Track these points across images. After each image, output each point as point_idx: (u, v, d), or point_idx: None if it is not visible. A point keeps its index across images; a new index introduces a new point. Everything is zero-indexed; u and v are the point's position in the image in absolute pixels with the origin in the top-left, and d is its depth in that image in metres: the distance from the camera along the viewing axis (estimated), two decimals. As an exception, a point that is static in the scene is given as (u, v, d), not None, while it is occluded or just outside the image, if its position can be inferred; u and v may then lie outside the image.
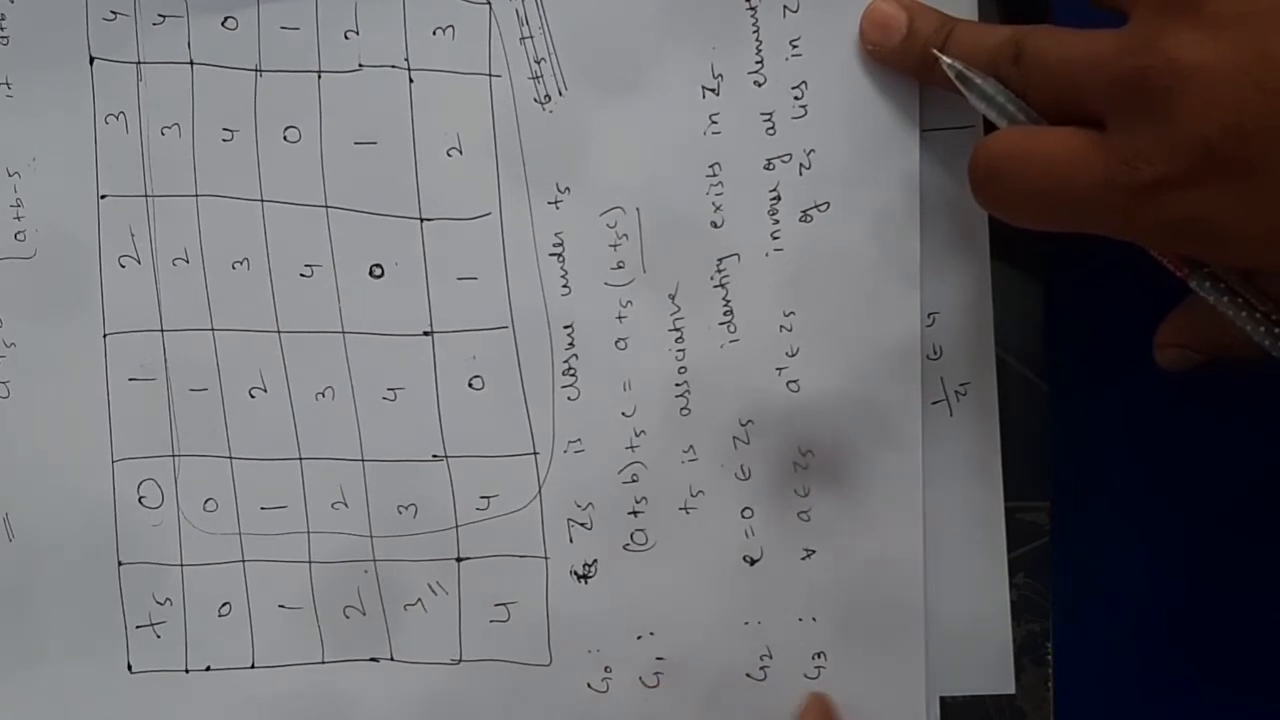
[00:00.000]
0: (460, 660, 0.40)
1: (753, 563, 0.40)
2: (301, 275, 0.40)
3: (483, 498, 0.40)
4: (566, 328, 0.40)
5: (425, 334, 0.40)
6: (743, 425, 0.40)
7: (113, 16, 0.39)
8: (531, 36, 0.39)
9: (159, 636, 0.41)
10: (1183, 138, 0.30)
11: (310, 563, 0.40)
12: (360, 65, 0.40)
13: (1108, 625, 0.41)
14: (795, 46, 0.39)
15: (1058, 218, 0.34)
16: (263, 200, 0.40)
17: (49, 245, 0.40)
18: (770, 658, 0.40)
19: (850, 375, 0.39)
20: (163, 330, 0.40)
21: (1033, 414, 0.40)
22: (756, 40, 0.39)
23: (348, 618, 0.40)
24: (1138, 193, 0.31)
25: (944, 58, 0.36)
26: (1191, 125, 0.30)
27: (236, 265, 0.40)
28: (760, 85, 0.39)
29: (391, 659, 0.40)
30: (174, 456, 0.40)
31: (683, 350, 0.40)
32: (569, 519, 0.40)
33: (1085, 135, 0.32)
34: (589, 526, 0.40)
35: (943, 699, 0.40)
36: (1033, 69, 0.34)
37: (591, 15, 0.39)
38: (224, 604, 0.40)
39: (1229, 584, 0.41)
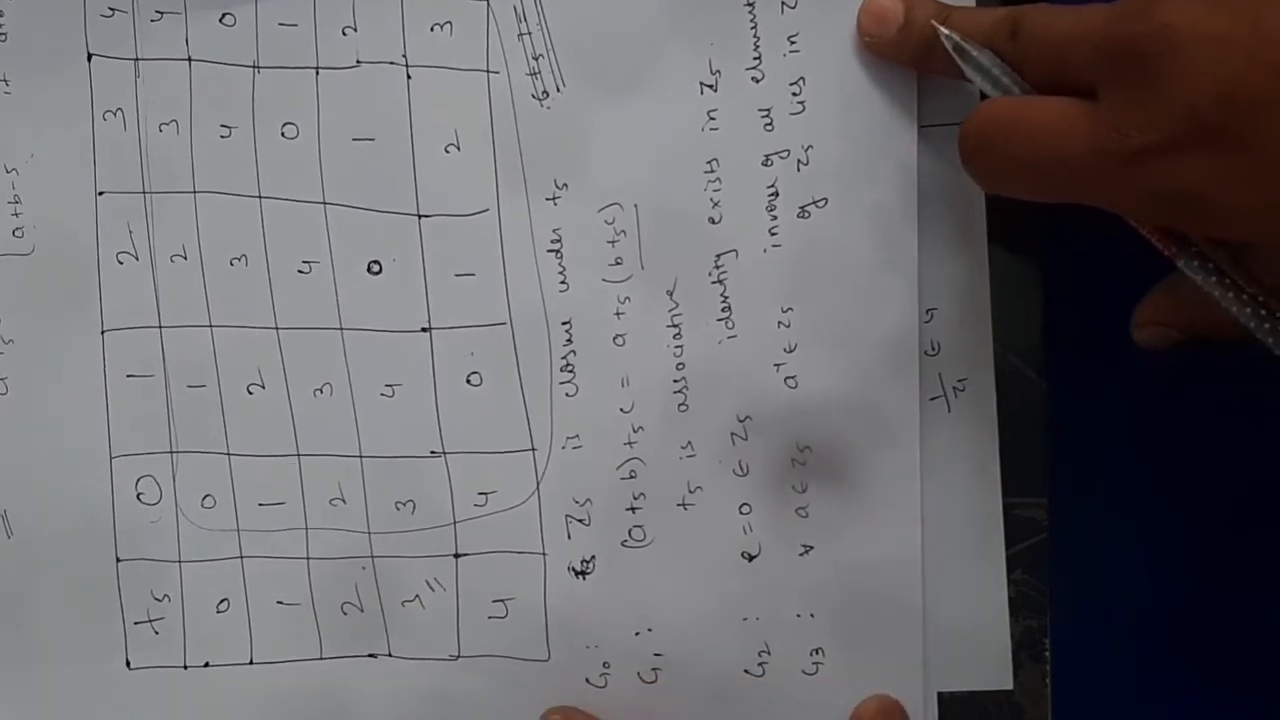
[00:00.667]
0: (458, 656, 0.40)
1: (751, 559, 0.40)
2: (299, 272, 0.40)
3: (481, 494, 0.40)
4: (564, 324, 0.40)
5: (423, 330, 0.40)
6: (741, 421, 0.40)
7: (110, 13, 0.40)
8: (529, 33, 0.39)
9: (157, 633, 0.41)
10: (1173, 105, 0.30)
11: (308, 559, 0.40)
12: (358, 61, 0.40)
13: (1105, 621, 0.41)
14: (793, 42, 0.39)
15: (1047, 187, 0.34)
16: (260, 197, 0.40)
17: (47, 242, 0.40)
18: (768, 654, 0.40)
19: (848, 371, 0.39)
20: (161, 327, 0.40)
21: (1030, 410, 0.40)
22: (754, 36, 0.39)
23: (346, 614, 0.40)
24: (1127, 160, 0.31)
25: (942, 28, 0.36)
26: (1182, 93, 0.30)
27: (234, 262, 0.40)
28: (758, 81, 0.39)
29: (390, 655, 0.40)
30: (172, 453, 0.40)
31: (681, 346, 0.40)
32: (567, 515, 0.40)
33: (1076, 103, 0.32)
34: (587, 523, 0.40)
35: (940, 695, 0.40)
36: (1028, 43, 0.34)
37: (590, 11, 0.39)
38: (222, 600, 0.40)
39: (1228, 582, 0.41)
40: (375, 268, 0.40)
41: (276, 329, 0.40)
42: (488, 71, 0.40)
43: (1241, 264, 0.34)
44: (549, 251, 0.40)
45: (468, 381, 0.40)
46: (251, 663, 0.41)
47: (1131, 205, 0.33)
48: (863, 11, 0.38)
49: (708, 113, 0.39)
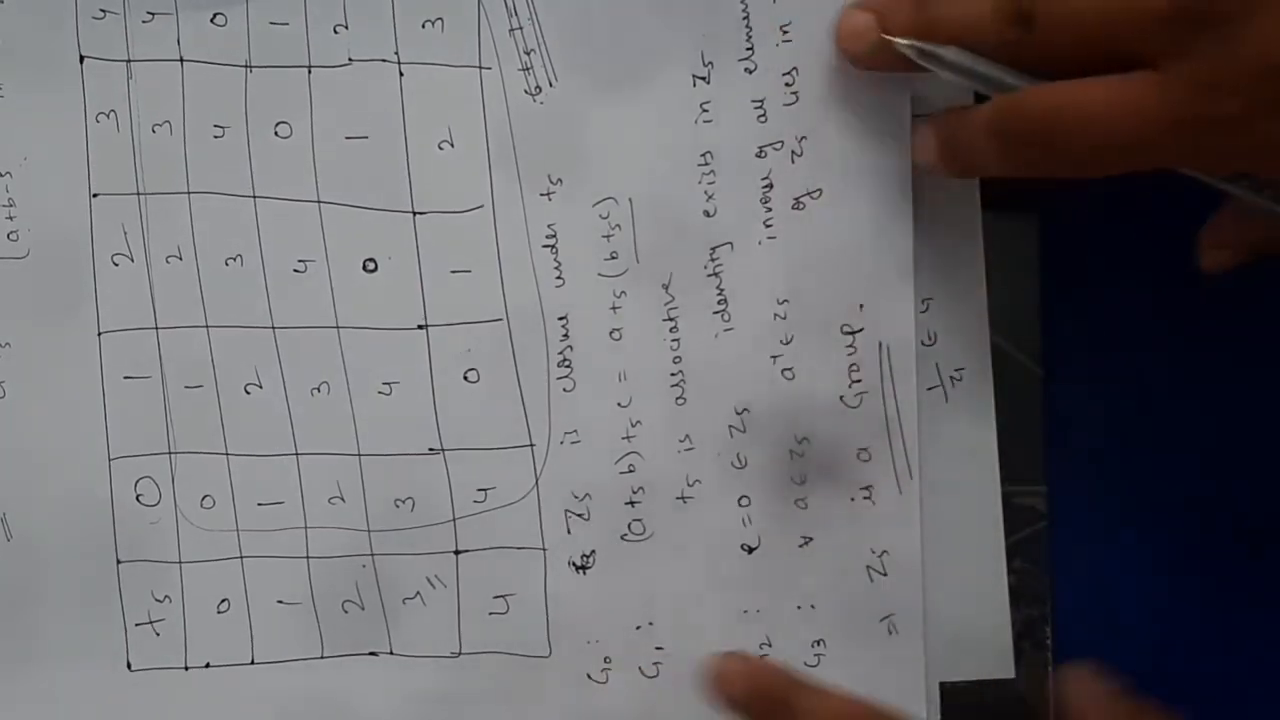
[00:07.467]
0: (460, 653, 0.40)
1: (751, 551, 0.40)
2: (295, 271, 0.40)
3: (480, 490, 0.40)
4: (561, 319, 0.40)
5: (420, 328, 0.40)
6: (738, 414, 0.40)
7: (102, 15, 0.39)
8: (521, 28, 0.39)
9: (158, 634, 0.41)
10: (1256, 68, 0.30)
11: (308, 558, 0.40)
12: (350, 59, 0.40)
13: (1107, 608, 0.41)
14: (785, 32, 0.39)
15: (1113, 163, 0.34)
16: (255, 196, 0.40)
17: (42, 245, 0.40)
18: (770, 646, 0.40)
19: (845, 363, 0.39)
20: (157, 328, 0.40)
21: (1028, 398, 0.40)
22: (746, 27, 0.39)
23: (346, 613, 0.40)
24: (1212, 127, 0.31)
25: (898, 41, 0.35)
26: (1264, 56, 0.30)
27: (230, 262, 0.40)
28: (751, 72, 0.39)
29: (391, 653, 0.40)
30: (170, 454, 0.40)
31: (677, 340, 0.40)
32: (566, 510, 0.40)
33: (1128, 80, 0.32)
34: (586, 517, 0.40)
35: (943, 685, 0.40)
36: (1057, 28, 0.33)
37: (581, 5, 0.39)
38: (223, 601, 0.40)
39: (1228, 568, 0.41)
40: (371, 266, 0.40)
41: (273, 328, 0.40)
42: (480, 68, 0.39)
43: None
44: (544, 247, 0.40)
45: (465, 378, 0.40)
46: (253, 663, 0.41)
47: (1208, 164, 0.33)
48: (838, 28, 0.37)
49: (701, 105, 0.39)
